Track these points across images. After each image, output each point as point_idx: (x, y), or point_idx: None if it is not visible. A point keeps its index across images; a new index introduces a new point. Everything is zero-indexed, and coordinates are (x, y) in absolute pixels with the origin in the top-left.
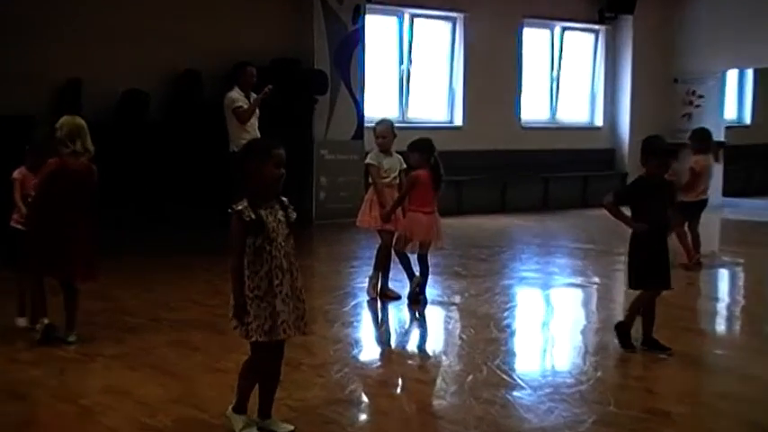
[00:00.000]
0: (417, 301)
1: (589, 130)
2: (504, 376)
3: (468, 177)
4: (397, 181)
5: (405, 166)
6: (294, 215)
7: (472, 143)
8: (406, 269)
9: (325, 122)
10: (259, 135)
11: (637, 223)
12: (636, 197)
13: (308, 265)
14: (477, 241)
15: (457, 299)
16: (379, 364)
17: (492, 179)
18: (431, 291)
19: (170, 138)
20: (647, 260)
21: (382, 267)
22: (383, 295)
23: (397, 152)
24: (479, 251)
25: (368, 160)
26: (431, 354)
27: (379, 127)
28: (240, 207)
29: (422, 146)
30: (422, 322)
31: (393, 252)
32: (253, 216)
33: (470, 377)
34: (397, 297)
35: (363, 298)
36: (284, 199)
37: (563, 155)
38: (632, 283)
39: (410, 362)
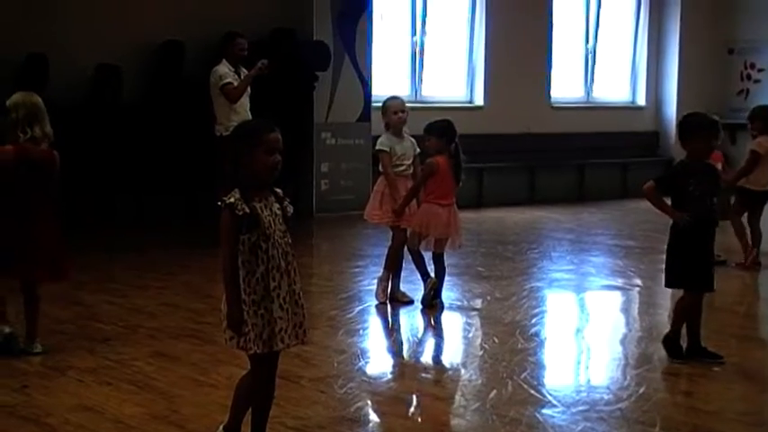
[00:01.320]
0: (433, 306)
1: (630, 109)
2: (533, 392)
3: (490, 164)
4: (411, 170)
5: (419, 150)
6: (291, 209)
7: (495, 125)
8: (419, 269)
9: (327, 102)
10: (250, 117)
11: (678, 213)
12: (677, 184)
13: (307, 264)
14: (501, 237)
15: (478, 303)
16: (389, 377)
17: (518, 166)
18: (448, 294)
19: (147, 120)
20: (686, 256)
21: (393, 268)
22: (394, 299)
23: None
24: (504, 249)
25: (378, 146)
26: (448, 366)
27: (394, 102)
28: (231, 199)
29: (441, 129)
30: (438, 330)
31: (406, 250)
32: (246, 210)
33: (494, 393)
34: (410, 301)
35: (371, 302)
36: (279, 190)
37: (600, 138)
38: (669, 281)
39: (425, 375)
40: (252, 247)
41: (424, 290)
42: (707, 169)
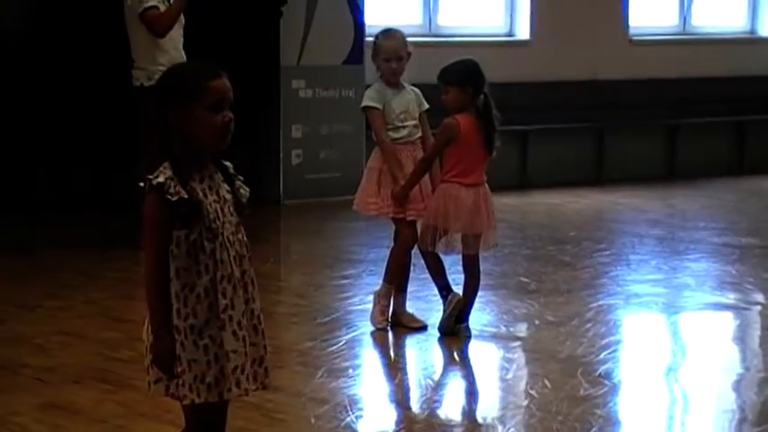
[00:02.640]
0: (456, 334)
1: (747, 43)
2: None
3: (539, 126)
4: (419, 134)
5: (427, 106)
6: (246, 192)
7: (546, 68)
8: (436, 281)
9: (301, 37)
10: (184, 57)
11: None
12: None
13: (270, 274)
14: (555, 233)
15: (522, 330)
16: None
17: (580, 129)
18: (478, 317)
19: (36, 63)
20: None
21: (397, 279)
22: (398, 324)
23: (415, 86)
24: (559, 250)
25: (365, 100)
26: (479, 422)
27: (387, 42)
28: (160, 179)
29: (463, 75)
30: (463, 370)
31: (416, 252)
32: (183, 194)
33: None
34: (422, 327)
35: (365, 329)
36: (229, 165)
37: (702, 86)
38: None
39: None
40: (191, 248)
41: (444, 311)
42: None
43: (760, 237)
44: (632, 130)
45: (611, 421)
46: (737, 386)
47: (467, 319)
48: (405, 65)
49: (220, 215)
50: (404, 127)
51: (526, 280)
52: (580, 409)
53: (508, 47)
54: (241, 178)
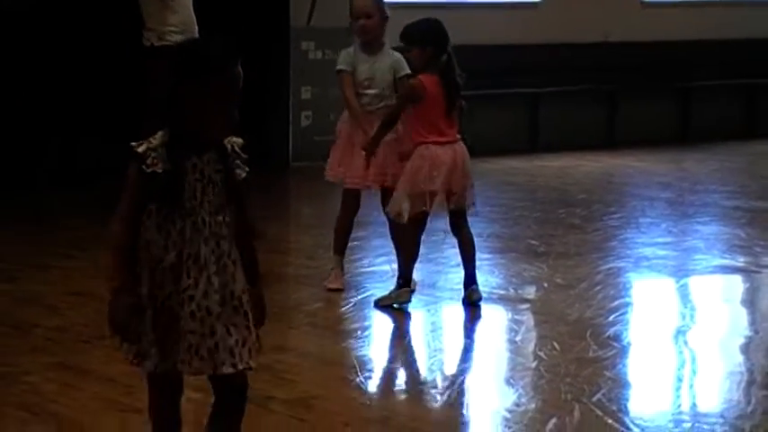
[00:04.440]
0: (472, 299)
1: (759, 5)
2: (610, 421)
3: (548, 89)
4: (381, 104)
5: (405, 72)
6: (243, 171)
7: (558, 31)
8: (404, 260)
9: None
10: (194, 18)
11: None
12: None
13: (280, 236)
14: (564, 196)
15: (531, 293)
16: (398, 400)
17: (591, 91)
18: (486, 279)
19: (39, 27)
20: None
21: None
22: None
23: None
24: (569, 213)
25: (338, 64)
26: (488, 384)
27: (355, 0)
28: (142, 147)
29: (424, 34)
30: (473, 331)
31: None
32: (158, 168)
33: (553, 422)
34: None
35: (374, 290)
36: (233, 142)
37: (714, 49)
38: None
39: (451, 397)
40: (162, 222)
41: (390, 293)
42: None
43: None
44: (644, 93)
45: (620, 383)
46: (746, 349)
47: (475, 281)
48: (377, 25)
49: (198, 195)
50: (365, 95)
51: (536, 243)
52: (588, 371)
53: (519, 9)
54: (241, 156)
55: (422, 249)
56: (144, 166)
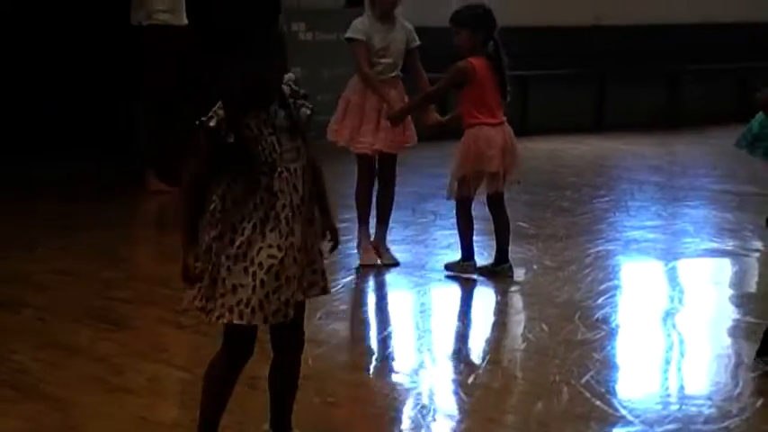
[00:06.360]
0: (496, 274)
1: None
2: (598, 402)
3: (538, 71)
4: (394, 74)
5: (417, 43)
6: (307, 110)
7: (546, 13)
8: (468, 240)
9: None
10: None
11: None
12: None
13: None
14: (554, 179)
15: (520, 275)
16: (388, 381)
17: (581, 75)
18: (477, 261)
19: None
20: None
21: (364, 217)
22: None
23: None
24: (558, 196)
25: (349, 32)
26: (475, 365)
27: None
28: (212, 122)
29: (475, 18)
30: (462, 312)
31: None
32: (230, 138)
33: (541, 404)
34: (394, 264)
35: (364, 272)
36: (287, 81)
37: (705, 33)
38: None
39: (441, 378)
40: (248, 182)
41: (488, 267)
42: None
43: (759, 184)
44: (634, 77)
45: (608, 365)
46: (734, 332)
47: (508, 258)
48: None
49: (277, 147)
50: (380, 63)
51: (525, 225)
52: (577, 353)
53: None
54: (302, 95)
55: (411, 231)
56: (218, 140)
